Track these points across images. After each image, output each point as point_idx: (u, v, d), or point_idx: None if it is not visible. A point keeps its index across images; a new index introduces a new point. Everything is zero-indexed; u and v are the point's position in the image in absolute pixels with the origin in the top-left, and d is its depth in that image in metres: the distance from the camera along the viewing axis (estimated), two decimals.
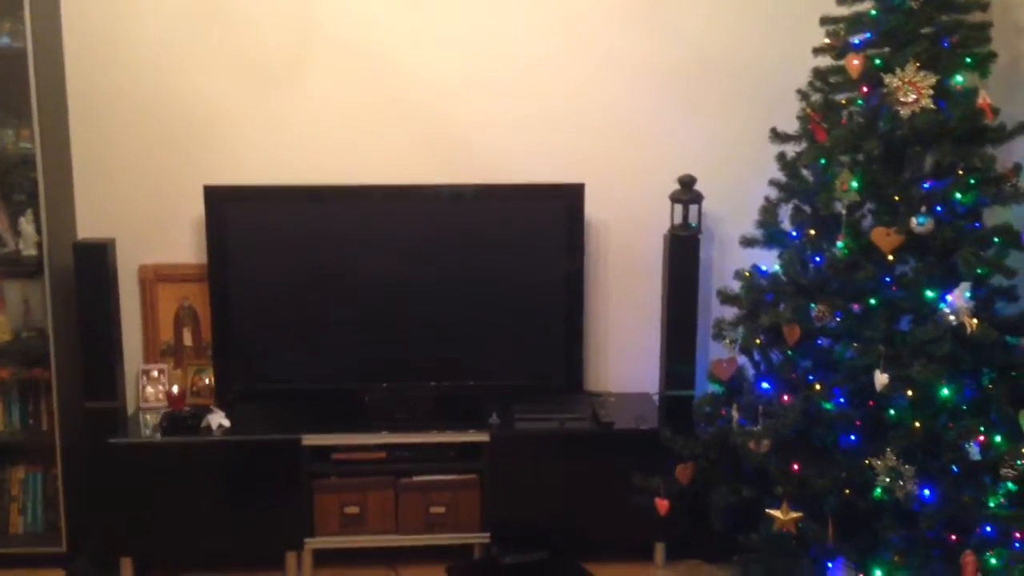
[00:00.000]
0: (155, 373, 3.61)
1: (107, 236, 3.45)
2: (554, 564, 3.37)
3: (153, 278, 3.60)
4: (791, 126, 3.15)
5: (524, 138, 3.62)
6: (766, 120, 3.20)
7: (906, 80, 2.78)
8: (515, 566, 3.34)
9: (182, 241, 3.59)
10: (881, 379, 2.70)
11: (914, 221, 2.76)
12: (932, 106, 2.77)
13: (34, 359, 3.37)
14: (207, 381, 3.61)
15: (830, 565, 2.84)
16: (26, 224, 3.31)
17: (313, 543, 3.38)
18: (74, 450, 3.37)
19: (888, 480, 2.69)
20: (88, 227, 3.54)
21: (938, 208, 2.80)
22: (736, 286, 3.26)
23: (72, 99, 3.48)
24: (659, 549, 3.48)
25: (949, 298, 2.71)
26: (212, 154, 3.54)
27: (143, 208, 3.56)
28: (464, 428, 3.41)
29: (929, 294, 2.77)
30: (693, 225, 3.49)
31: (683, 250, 3.49)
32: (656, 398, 3.68)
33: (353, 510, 3.37)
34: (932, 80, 2.77)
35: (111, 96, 3.50)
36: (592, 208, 3.54)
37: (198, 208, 3.42)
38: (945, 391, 2.69)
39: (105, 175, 3.55)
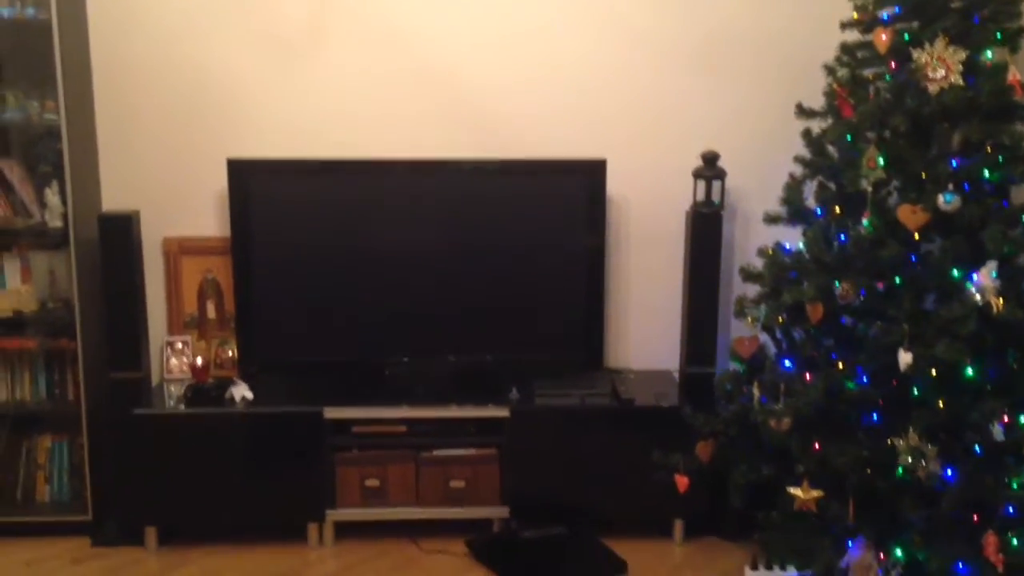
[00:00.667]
0: (179, 345, 3.64)
1: (131, 208, 3.47)
2: (573, 539, 3.39)
3: (177, 251, 3.62)
4: (817, 102, 3.12)
5: (547, 113, 3.60)
6: (791, 95, 3.17)
7: (935, 55, 2.74)
8: (534, 540, 3.36)
9: (206, 214, 3.61)
10: (905, 358, 2.68)
11: (941, 199, 2.73)
12: (961, 82, 2.73)
13: (60, 329, 3.41)
14: (230, 353, 3.64)
15: (850, 544, 2.84)
16: (51, 195, 3.33)
17: (335, 515, 3.41)
18: (99, 420, 3.42)
19: (910, 459, 2.68)
20: (113, 199, 3.57)
21: (965, 186, 2.77)
22: (759, 264, 3.25)
23: (96, 71, 3.50)
24: (678, 526, 3.48)
25: (975, 277, 2.68)
26: (235, 127, 3.55)
27: (167, 181, 3.58)
28: (484, 403, 3.42)
29: (955, 273, 2.74)
30: (716, 202, 3.47)
31: (705, 227, 3.47)
32: (677, 375, 3.67)
33: (374, 483, 3.39)
34: (961, 55, 2.73)
35: (135, 68, 3.51)
36: (614, 184, 3.52)
37: (221, 181, 3.43)
38: (969, 371, 2.67)
39: (129, 147, 3.57)
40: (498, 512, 3.45)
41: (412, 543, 3.43)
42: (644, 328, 3.78)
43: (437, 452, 3.42)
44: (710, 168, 3.46)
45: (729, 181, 3.49)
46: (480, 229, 3.50)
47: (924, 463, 2.67)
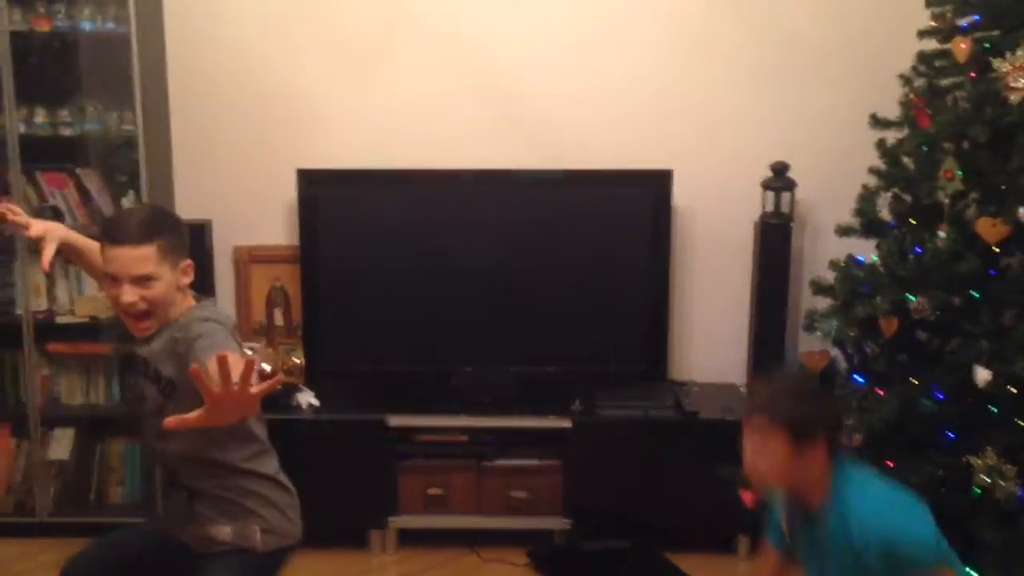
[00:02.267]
0: (248, 351, 3.69)
1: (204, 217, 3.55)
2: (635, 552, 3.35)
3: (247, 259, 3.69)
4: (892, 112, 3.05)
5: (613, 122, 3.59)
6: (864, 105, 3.11)
7: (1016, 65, 2.66)
8: (596, 553, 3.34)
9: (275, 223, 3.67)
10: (983, 375, 2.61)
11: (1021, 211, 2.65)
12: None
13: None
14: (297, 360, 3.68)
15: None
16: (128, 204, 3.42)
17: (397, 522, 3.43)
18: None
19: (987, 479, 2.60)
20: (186, 208, 3.64)
21: None
22: (830, 276, 3.18)
23: (172, 83, 3.58)
24: (743, 542, 3.43)
25: None
26: (305, 137, 3.61)
27: (238, 190, 3.65)
28: (546, 413, 3.41)
29: None
30: (785, 213, 3.42)
31: (774, 238, 3.42)
32: (743, 389, 3.62)
33: (436, 491, 3.41)
34: None
35: (209, 80, 3.59)
36: (681, 194, 3.49)
37: (291, 191, 3.49)
38: None
39: (203, 157, 3.65)
40: (559, 523, 3.43)
41: (473, 552, 3.44)
42: (709, 340, 3.73)
43: (499, 462, 3.42)
44: (779, 179, 3.41)
45: (799, 192, 3.43)
46: (545, 239, 3.50)
47: (1002, 483, 2.59)
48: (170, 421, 1.73)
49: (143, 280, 2.03)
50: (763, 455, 2.04)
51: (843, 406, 2.11)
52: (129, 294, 2.02)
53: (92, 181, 3.47)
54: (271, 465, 2.26)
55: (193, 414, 1.70)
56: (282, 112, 3.61)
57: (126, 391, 3.54)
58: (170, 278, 2.07)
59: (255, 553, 2.17)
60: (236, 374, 1.61)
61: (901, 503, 2.03)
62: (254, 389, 1.64)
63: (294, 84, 3.59)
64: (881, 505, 2.01)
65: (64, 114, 3.39)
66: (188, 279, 2.14)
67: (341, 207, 3.48)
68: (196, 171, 3.64)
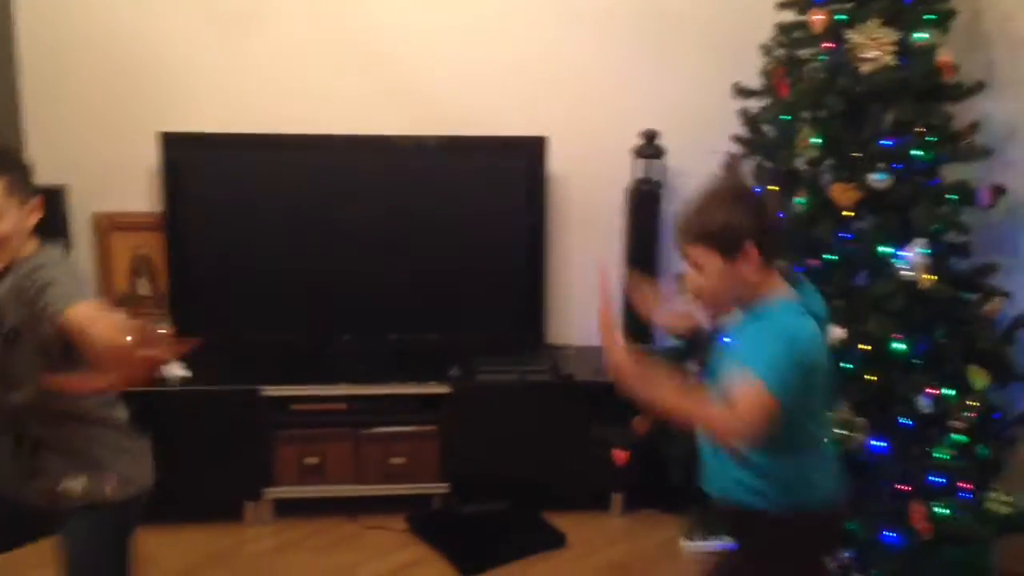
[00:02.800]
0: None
1: (60, 182, 3.37)
2: (513, 514, 3.41)
3: (108, 226, 3.53)
4: (754, 81, 3.15)
5: (488, 90, 3.58)
6: (730, 75, 3.21)
7: (868, 36, 2.79)
8: (474, 515, 3.38)
9: (137, 189, 3.52)
10: (837, 332, 2.74)
11: (873, 177, 2.79)
12: (893, 63, 2.78)
13: None
14: (164, 331, 3.55)
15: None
16: None
17: (273, 493, 3.38)
18: None
19: (841, 431, 2.75)
20: (40, 173, 3.41)
21: (897, 165, 2.83)
22: None
23: (22, 40, 3.38)
24: (616, 500, 3.53)
25: (904, 254, 2.75)
26: (169, 99, 3.47)
27: (97, 155, 3.48)
28: (425, 380, 3.42)
29: (885, 249, 2.81)
30: (655, 180, 3.50)
31: (645, 204, 3.50)
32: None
33: (313, 460, 3.37)
34: (894, 37, 2.78)
35: (63, 38, 3.40)
36: (555, 161, 3.53)
37: (153, 155, 3.35)
38: (899, 345, 2.74)
39: (58, 120, 3.46)
40: (438, 488, 3.45)
41: (351, 520, 3.42)
42: (584, 305, 3.79)
43: (377, 429, 3.41)
44: (649, 146, 3.49)
45: (668, 159, 3.52)
46: (421, 206, 3.48)
47: (854, 435, 2.74)
48: (58, 380, 1.64)
49: None
50: (701, 278, 2.00)
51: (768, 207, 2.03)
52: None
53: None
54: (123, 411, 2.18)
55: (81, 377, 1.61)
56: (145, 71, 3.45)
57: None
58: (17, 215, 1.96)
59: (111, 504, 2.10)
60: (129, 334, 1.55)
61: (782, 333, 1.93)
62: (152, 352, 1.57)
63: (158, 42, 3.44)
64: (779, 320, 1.97)
65: None
66: (35, 219, 2.03)
67: (207, 172, 3.37)
68: (50, 133, 3.45)
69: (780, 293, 2.02)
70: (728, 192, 2.07)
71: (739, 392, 1.91)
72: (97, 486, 2.08)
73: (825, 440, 2.12)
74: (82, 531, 2.08)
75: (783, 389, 1.90)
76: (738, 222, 1.97)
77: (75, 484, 2.07)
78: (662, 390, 1.98)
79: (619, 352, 2.02)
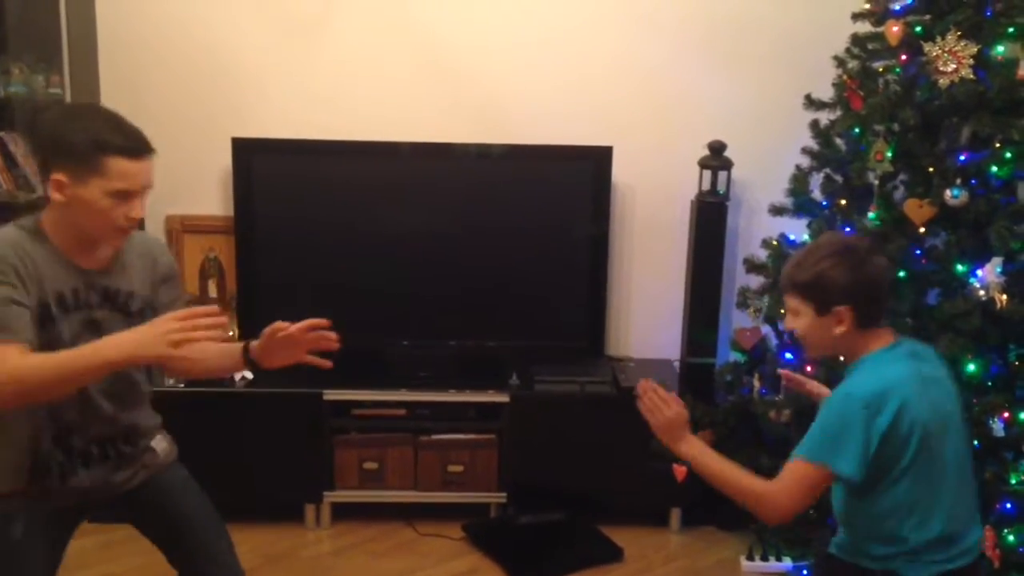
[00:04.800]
0: None
1: None
2: (570, 525, 3.39)
3: (180, 229, 3.61)
4: (826, 93, 3.11)
5: (554, 99, 3.58)
6: (800, 87, 3.16)
7: (946, 49, 2.72)
8: (531, 525, 3.37)
9: (209, 193, 3.60)
10: None
11: (948, 193, 2.72)
12: (972, 76, 2.71)
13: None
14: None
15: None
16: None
17: (332, 496, 3.42)
18: None
19: None
20: None
21: (973, 181, 2.76)
22: (763, 255, 3.24)
23: (102, 45, 3.48)
24: (675, 515, 3.49)
25: (980, 272, 2.67)
26: (241, 105, 3.54)
27: (171, 158, 3.49)
28: (484, 388, 3.42)
29: (960, 268, 2.74)
30: (721, 192, 3.46)
31: (710, 217, 3.46)
32: (677, 365, 3.67)
33: (372, 465, 3.40)
34: (973, 50, 2.71)
35: (141, 43, 3.50)
36: (620, 171, 3.51)
37: (226, 160, 3.42)
38: (971, 366, 2.67)
39: (134, 123, 3.53)
40: (495, 497, 3.45)
41: (409, 526, 3.44)
42: (646, 317, 3.78)
43: (436, 436, 3.42)
44: (716, 157, 3.45)
45: (735, 171, 3.47)
46: (484, 214, 3.49)
47: None
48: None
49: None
50: (795, 324, 1.99)
51: (875, 269, 1.94)
52: (143, 207, 1.93)
53: (18, 146, 3.36)
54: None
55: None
56: (218, 78, 3.53)
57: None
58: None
59: (176, 462, 2.24)
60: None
61: (857, 392, 1.89)
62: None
63: (231, 49, 3.51)
64: (852, 380, 1.94)
65: None
66: None
67: (277, 177, 3.43)
68: None
69: (879, 347, 1.96)
70: (836, 246, 2.00)
71: (786, 466, 1.91)
72: (169, 444, 2.22)
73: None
74: (178, 480, 2.20)
75: (833, 455, 1.86)
76: (833, 280, 1.92)
77: (158, 442, 2.18)
78: (707, 456, 2.01)
79: (670, 411, 2.04)
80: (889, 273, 2.36)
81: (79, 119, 1.91)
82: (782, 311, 3.04)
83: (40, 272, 1.88)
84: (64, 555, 2.11)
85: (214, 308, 1.84)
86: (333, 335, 2.12)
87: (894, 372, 1.92)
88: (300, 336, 2.08)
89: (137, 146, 1.89)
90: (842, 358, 2.09)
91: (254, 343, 2.12)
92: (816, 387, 2.32)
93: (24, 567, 2.00)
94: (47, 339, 1.89)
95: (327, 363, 2.14)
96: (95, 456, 2.05)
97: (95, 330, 1.93)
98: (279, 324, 2.08)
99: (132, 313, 2.01)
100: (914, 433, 1.88)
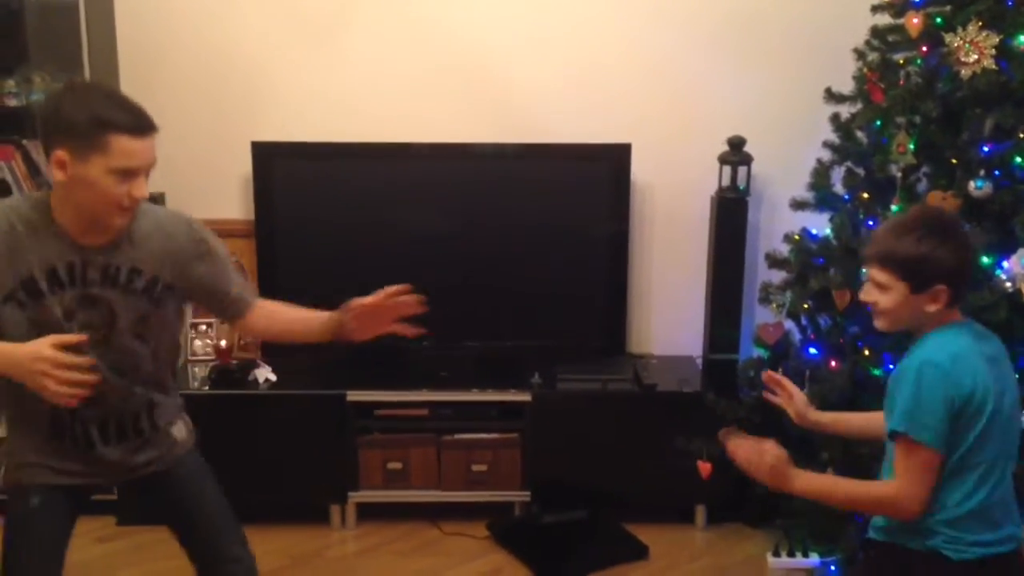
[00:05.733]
0: (203, 327, 3.66)
1: (157, 191, 3.48)
2: (594, 523, 3.39)
3: None
4: (846, 86, 3.08)
5: (571, 98, 3.58)
6: (820, 80, 3.14)
7: (967, 39, 2.69)
8: (555, 524, 3.37)
9: (230, 196, 3.62)
10: None
11: (972, 185, 2.69)
12: (994, 66, 2.68)
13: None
14: None
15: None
16: None
17: (357, 497, 3.43)
18: None
19: None
20: None
21: (996, 172, 2.73)
22: (784, 250, 3.23)
23: (122, 53, 3.51)
24: (700, 512, 3.48)
25: (1006, 264, 2.65)
26: (260, 110, 3.56)
27: (192, 163, 3.59)
28: (506, 387, 3.42)
29: (985, 260, 2.71)
30: (741, 187, 3.44)
31: (731, 213, 3.45)
32: (699, 361, 3.66)
33: (396, 466, 3.41)
34: (995, 40, 2.68)
35: (161, 50, 3.52)
36: (639, 169, 3.50)
37: (246, 164, 3.44)
38: None
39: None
40: (519, 496, 3.45)
41: (433, 526, 3.45)
42: (667, 314, 3.77)
43: (459, 436, 3.42)
44: (736, 153, 3.43)
45: (755, 167, 3.46)
46: (504, 214, 3.49)
47: None
48: None
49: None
50: (881, 298, 1.94)
51: (972, 250, 1.94)
52: (145, 185, 1.92)
53: (40, 154, 3.38)
54: None
55: None
56: (237, 83, 3.55)
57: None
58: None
59: (195, 447, 2.22)
60: None
61: (935, 358, 1.86)
62: None
63: (249, 54, 3.53)
64: (925, 350, 1.91)
65: (11, 84, 3.31)
66: None
67: (297, 180, 3.45)
68: None
69: (948, 322, 1.95)
70: (938, 223, 1.96)
71: (897, 459, 1.88)
72: (189, 431, 2.21)
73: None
74: (196, 469, 2.20)
75: (931, 432, 1.84)
76: (939, 259, 1.89)
77: (178, 429, 2.17)
78: (817, 483, 1.99)
79: (769, 457, 2.01)
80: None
81: (80, 97, 1.89)
82: (805, 305, 3.04)
83: (27, 244, 1.87)
84: (73, 530, 2.13)
85: (89, 361, 1.83)
86: (414, 298, 2.11)
87: (965, 343, 1.92)
88: (383, 305, 2.08)
89: (140, 123, 1.87)
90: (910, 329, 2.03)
91: (337, 317, 2.13)
92: (798, 395, 2.29)
93: (38, 535, 2.03)
94: (34, 315, 1.90)
95: (413, 330, 2.12)
96: (112, 432, 2.05)
97: (92, 306, 1.93)
98: (356, 301, 2.09)
99: (136, 291, 1.98)
100: (988, 403, 1.87)
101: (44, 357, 1.77)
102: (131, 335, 2.01)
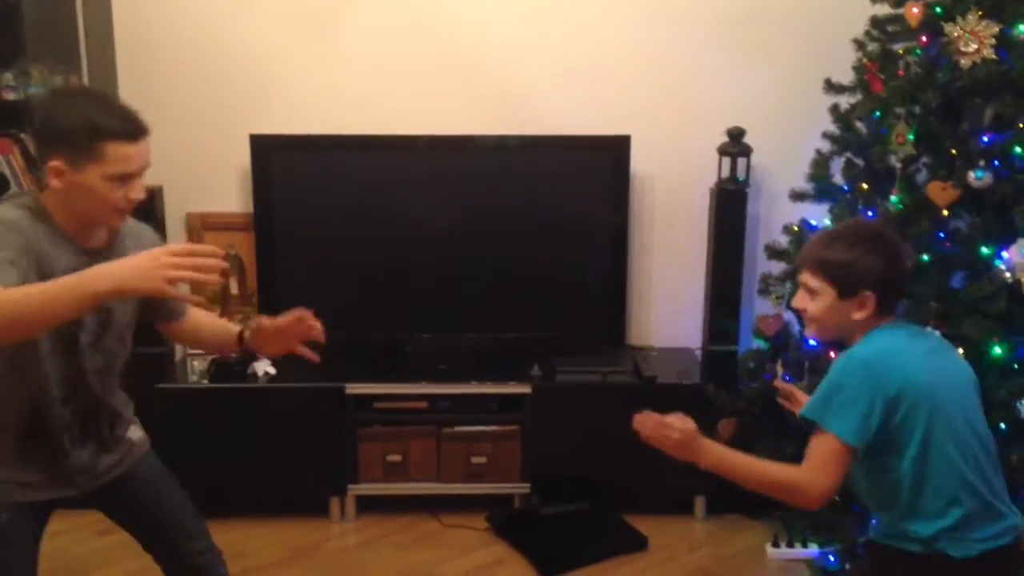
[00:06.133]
0: None
1: (154, 183, 3.48)
2: (594, 515, 3.39)
3: (200, 226, 3.63)
4: (846, 77, 3.08)
5: (571, 89, 3.57)
6: (819, 70, 3.14)
7: (967, 29, 2.69)
8: (555, 516, 3.37)
9: (229, 189, 3.61)
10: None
11: (971, 175, 2.69)
12: (994, 56, 2.68)
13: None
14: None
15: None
16: None
17: (356, 489, 3.43)
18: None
19: None
20: None
21: (996, 162, 2.72)
22: (784, 241, 3.22)
23: (120, 46, 3.50)
24: (699, 503, 3.48)
25: (1005, 255, 2.65)
26: (258, 102, 3.55)
27: (190, 156, 3.58)
28: (506, 379, 3.42)
29: (985, 250, 2.71)
30: (741, 179, 3.44)
31: (730, 204, 3.44)
32: (699, 353, 3.65)
33: (395, 458, 3.41)
34: (994, 29, 2.67)
35: (158, 43, 3.51)
36: (638, 160, 3.49)
37: (244, 157, 3.43)
38: (997, 349, 2.64)
39: (153, 122, 3.52)
40: (519, 488, 3.46)
41: (433, 518, 3.45)
42: (667, 306, 3.76)
43: (458, 428, 3.42)
44: (735, 144, 3.43)
45: (754, 158, 3.45)
46: (503, 206, 3.49)
47: None
48: None
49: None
50: (810, 304, 1.97)
51: (904, 260, 1.97)
52: (141, 187, 1.92)
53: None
54: None
55: None
56: (235, 76, 3.54)
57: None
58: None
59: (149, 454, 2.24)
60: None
61: (858, 354, 1.91)
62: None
63: (247, 47, 3.52)
64: (854, 347, 1.94)
65: (8, 77, 3.28)
66: None
67: (296, 173, 3.44)
68: None
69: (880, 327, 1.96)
70: (869, 232, 2.02)
71: (809, 447, 1.89)
72: (143, 434, 2.23)
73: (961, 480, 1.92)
74: (153, 468, 2.21)
75: (844, 423, 1.84)
76: (867, 266, 1.92)
77: (135, 433, 2.19)
78: (728, 459, 1.99)
79: (675, 432, 2.03)
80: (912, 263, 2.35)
81: (73, 104, 1.89)
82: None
83: (44, 251, 1.87)
84: (40, 549, 2.11)
85: (214, 248, 1.79)
86: (318, 325, 2.12)
87: (894, 341, 1.94)
88: (288, 327, 2.10)
89: (133, 129, 1.87)
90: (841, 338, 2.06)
91: (247, 331, 2.14)
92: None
93: (8, 553, 2.02)
94: None
95: (315, 356, 2.15)
96: (79, 435, 2.05)
97: (99, 309, 1.94)
98: (261, 319, 2.11)
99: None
100: (922, 401, 1.87)
101: (169, 250, 1.72)
102: (116, 338, 2.04)
